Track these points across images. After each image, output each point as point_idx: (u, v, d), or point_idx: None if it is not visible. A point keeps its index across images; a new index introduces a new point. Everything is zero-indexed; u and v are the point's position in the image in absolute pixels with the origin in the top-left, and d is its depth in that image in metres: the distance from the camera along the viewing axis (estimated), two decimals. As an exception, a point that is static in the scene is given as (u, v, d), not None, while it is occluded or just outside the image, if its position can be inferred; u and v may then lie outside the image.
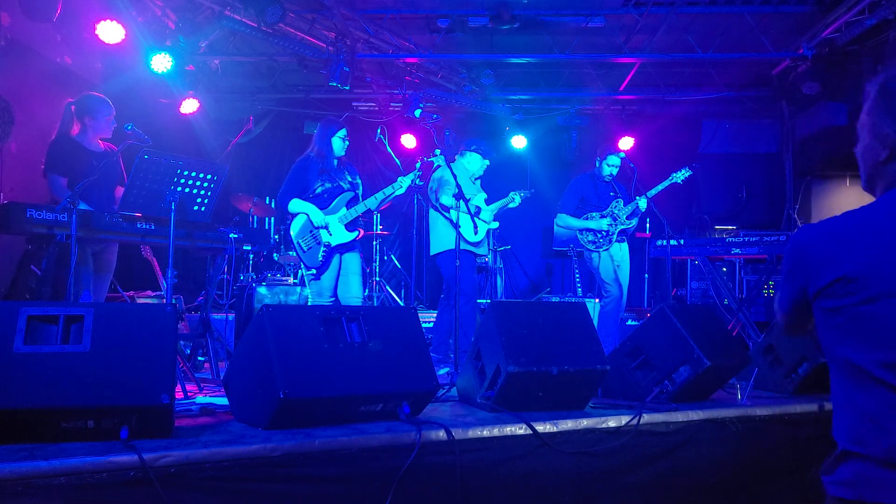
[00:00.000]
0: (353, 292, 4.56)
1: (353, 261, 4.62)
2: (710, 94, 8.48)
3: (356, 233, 4.61)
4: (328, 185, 4.59)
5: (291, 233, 4.59)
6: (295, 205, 4.55)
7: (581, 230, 5.67)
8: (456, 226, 5.11)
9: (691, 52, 7.28)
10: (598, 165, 5.80)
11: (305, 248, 4.52)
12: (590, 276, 5.91)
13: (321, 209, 4.54)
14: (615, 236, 5.58)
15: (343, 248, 4.57)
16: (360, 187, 4.79)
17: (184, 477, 2.12)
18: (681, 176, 5.79)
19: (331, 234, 4.51)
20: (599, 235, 5.60)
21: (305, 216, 4.53)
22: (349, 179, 4.72)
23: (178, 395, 3.12)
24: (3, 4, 5.28)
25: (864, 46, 6.96)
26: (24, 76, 5.55)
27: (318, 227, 4.50)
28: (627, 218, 5.62)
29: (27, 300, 3.71)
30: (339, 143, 4.65)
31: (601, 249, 5.59)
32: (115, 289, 5.13)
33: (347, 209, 4.59)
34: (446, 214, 5.17)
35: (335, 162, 4.68)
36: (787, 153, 8.74)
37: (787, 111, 8.63)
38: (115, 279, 4.64)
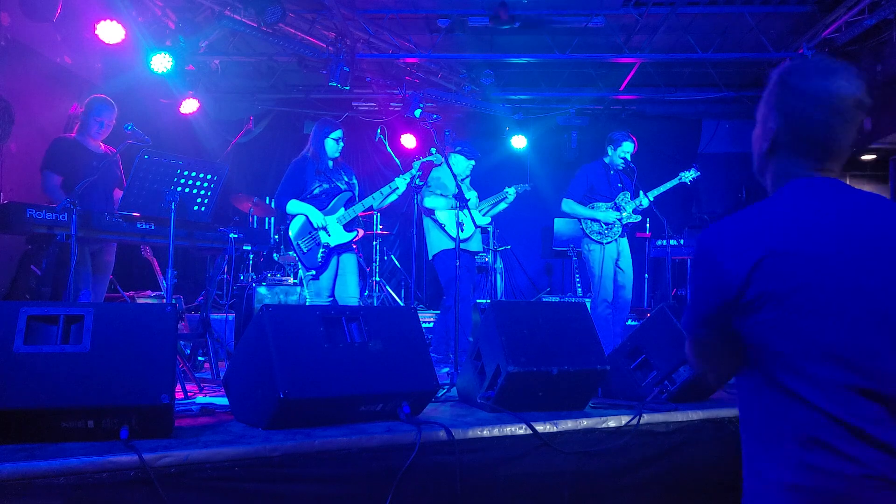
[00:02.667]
0: (350, 292, 4.57)
1: (350, 261, 4.62)
2: (710, 94, 8.48)
3: (354, 233, 4.62)
4: (325, 185, 4.59)
5: (290, 234, 4.59)
6: (293, 206, 4.54)
7: (588, 219, 5.51)
8: (442, 226, 5.14)
9: (691, 52, 7.28)
10: (610, 154, 5.68)
11: (305, 249, 4.53)
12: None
13: (320, 210, 4.54)
14: (619, 231, 5.51)
15: (341, 249, 4.58)
16: (357, 187, 4.79)
17: (184, 477, 2.12)
18: (688, 176, 5.69)
19: (329, 235, 4.51)
20: (606, 227, 5.47)
21: (304, 217, 4.53)
22: (346, 180, 4.72)
23: (178, 395, 3.12)
24: (3, 4, 5.28)
25: (864, 46, 6.97)
26: (24, 76, 5.55)
27: (317, 228, 4.51)
28: (634, 212, 5.54)
29: (27, 300, 3.71)
30: (332, 145, 4.62)
31: (605, 241, 5.44)
32: (115, 289, 5.13)
33: (345, 209, 4.59)
34: (432, 216, 5.20)
35: (330, 163, 4.67)
36: (786, 153, 8.73)
37: (787, 111, 8.62)
38: (115, 279, 4.64)
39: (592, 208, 5.53)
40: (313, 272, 4.51)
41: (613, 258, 5.52)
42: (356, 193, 4.74)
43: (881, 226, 1.28)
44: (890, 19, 6.30)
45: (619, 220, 5.48)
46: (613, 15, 7.01)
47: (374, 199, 4.63)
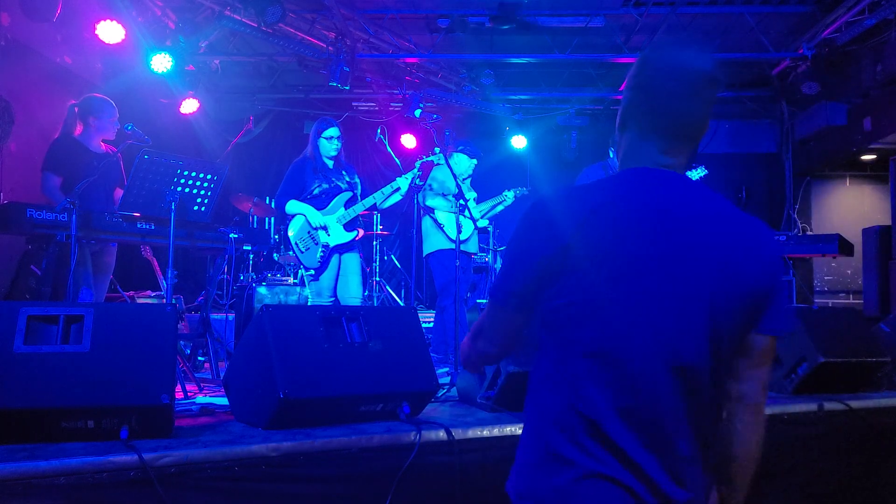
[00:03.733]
0: (352, 292, 4.56)
1: (352, 261, 4.61)
2: (710, 94, 8.46)
3: (355, 233, 4.61)
4: (325, 185, 4.59)
5: (290, 234, 4.59)
6: (292, 206, 4.54)
7: None
8: (441, 226, 5.14)
9: (691, 52, 7.27)
10: (611, 156, 5.70)
11: (303, 249, 4.52)
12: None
13: (319, 210, 4.53)
14: None
15: (342, 249, 4.57)
16: (359, 187, 4.77)
17: (184, 477, 2.12)
18: (695, 175, 5.71)
19: (329, 235, 4.51)
20: None
21: (303, 217, 4.52)
22: (347, 179, 4.71)
23: (178, 395, 3.12)
24: (3, 4, 5.28)
25: (864, 46, 6.96)
26: (24, 76, 5.55)
27: (316, 228, 4.50)
28: None
29: (27, 300, 3.71)
30: (325, 144, 4.59)
31: None
32: (115, 289, 5.13)
33: (345, 209, 4.58)
34: (432, 215, 5.21)
35: (331, 163, 4.66)
36: (786, 153, 8.74)
37: (787, 111, 8.63)
38: (115, 279, 4.64)
39: None
40: (312, 272, 4.50)
41: None
42: (358, 193, 4.73)
43: (689, 236, 1.27)
44: (890, 19, 6.31)
45: None
46: (613, 15, 7.01)
47: (376, 199, 4.62)
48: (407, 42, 7.54)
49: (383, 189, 4.65)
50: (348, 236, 4.57)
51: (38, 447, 2.10)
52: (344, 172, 4.72)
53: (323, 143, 4.59)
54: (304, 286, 6.30)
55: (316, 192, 4.57)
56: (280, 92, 8.70)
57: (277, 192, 4.62)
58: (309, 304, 4.66)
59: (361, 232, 4.69)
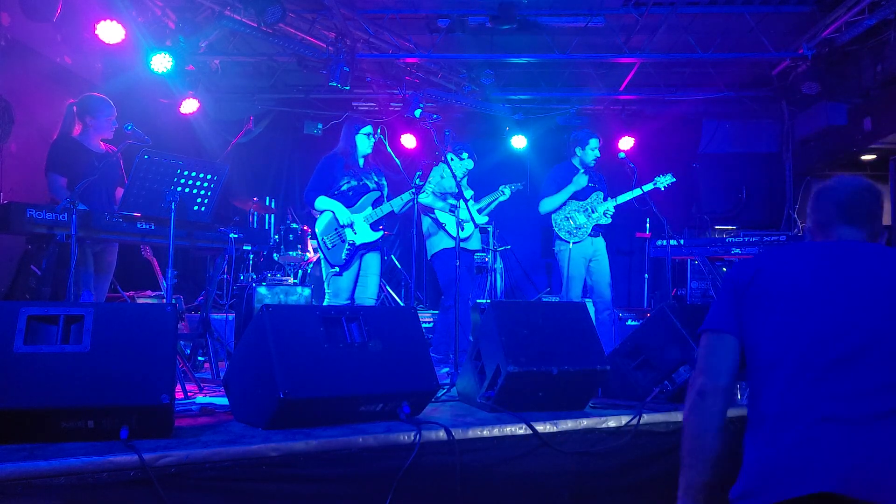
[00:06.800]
0: (369, 293, 4.60)
1: (373, 261, 4.65)
2: (710, 94, 8.47)
3: (380, 233, 4.64)
4: (354, 183, 4.62)
5: (317, 229, 4.63)
6: (321, 202, 4.57)
7: (560, 216, 5.57)
8: (442, 226, 5.15)
9: (691, 52, 7.27)
10: (579, 154, 5.71)
11: (330, 246, 4.54)
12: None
13: (347, 207, 4.55)
14: (589, 230, 5.52)
15: (366, 248, 4.59)
16: (386, 188, 4.81)
17: (184, 477, 2.12)
18: (663, 182, 5.67)
19: (355, 233, 4.53)
20: (575, 227, 5.51)
21: (331, 213, 4.55)
22: (375, 179, 4.74)
23: (178, 395, 3.12)
24: (3, 4, 5.28)
25: (864, 46, 6.96)
26: (24, 76, 5.54)
27: (343, 226, 4.52)
28: (605, 214, 5.55)
29: (27, 300, 3.71)
30: (364, 140, 4.67)
31: (573, 241, 5.48)
32: (115, 289, 5.13)
33: (373, 209, 4.60)
34: (432, 216, 5.23)
35: (361, 161, 4.70)
36: (786, 153, 8.73)
37: (787, 111, 8.62)
38: (115, 279, 4.64)
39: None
40: (337, 269, 4.51)
41: (585, 258, 5.53)
42: (385, 194, 4.76)
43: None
44: (890, 19, 6.30)
45: (586, 223, 5.50)
46: (613, 15, 7.00)
47: (403, 200, 4.63)
48: (407, 42, 7.53)
49: (402, 195, 4.67)
50: (374, 236, 4.59)
51: (38, 447, 2.10)
52: (373, 172, 4.76)
53: (362, 139, 4.66)
54: (305, 286, 6.31)
55: (344, 188, 4.60)
56: (280, 92, 8.68)
57: (307, 187, 4.65)
58: (326, 303, 4.67)
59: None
